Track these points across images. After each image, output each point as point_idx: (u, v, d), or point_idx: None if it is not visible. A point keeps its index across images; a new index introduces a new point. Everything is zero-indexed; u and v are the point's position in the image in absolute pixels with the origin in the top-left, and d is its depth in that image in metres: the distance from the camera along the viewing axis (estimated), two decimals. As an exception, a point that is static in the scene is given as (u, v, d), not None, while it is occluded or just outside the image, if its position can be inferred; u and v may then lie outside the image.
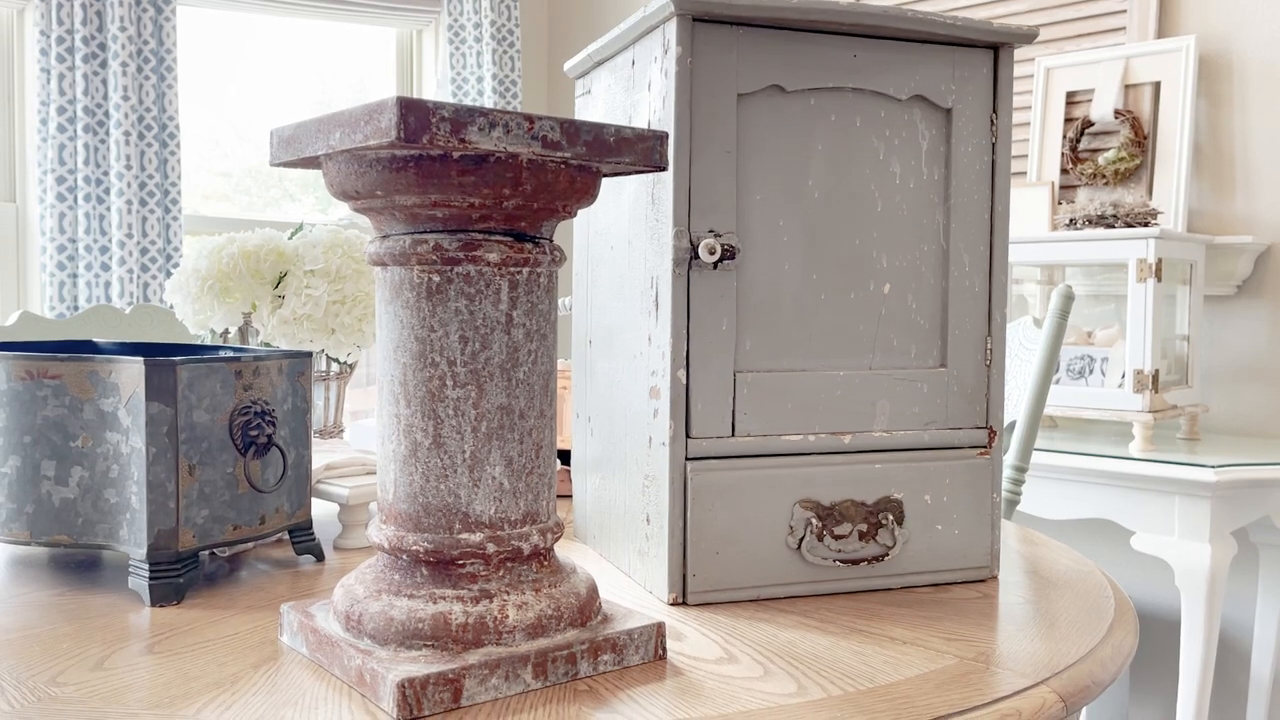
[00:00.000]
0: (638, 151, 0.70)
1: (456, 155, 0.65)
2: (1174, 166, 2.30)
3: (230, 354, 0.94)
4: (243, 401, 0.88)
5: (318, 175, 3.50)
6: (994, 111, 0.94)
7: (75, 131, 2.68)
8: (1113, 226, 2.14)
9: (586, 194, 0.71)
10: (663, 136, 0.72)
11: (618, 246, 0.97)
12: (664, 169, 0.73)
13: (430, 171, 0.65)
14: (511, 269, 0.69)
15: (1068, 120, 2.47)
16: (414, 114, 0.61)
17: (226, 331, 1.32)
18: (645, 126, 0.90)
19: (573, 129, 0.67)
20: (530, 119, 0.65)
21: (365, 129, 0.62)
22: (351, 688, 0.66)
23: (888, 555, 0.91)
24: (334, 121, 0.65)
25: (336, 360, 1.37)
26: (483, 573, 0.69)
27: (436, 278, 0.68)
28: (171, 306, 1.38)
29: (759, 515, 0.88)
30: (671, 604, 0.86)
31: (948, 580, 0.93)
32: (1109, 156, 2.35)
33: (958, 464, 0.93)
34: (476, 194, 0.66)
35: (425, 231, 0.68)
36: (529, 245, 0.70)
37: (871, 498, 0.91)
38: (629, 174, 0.77)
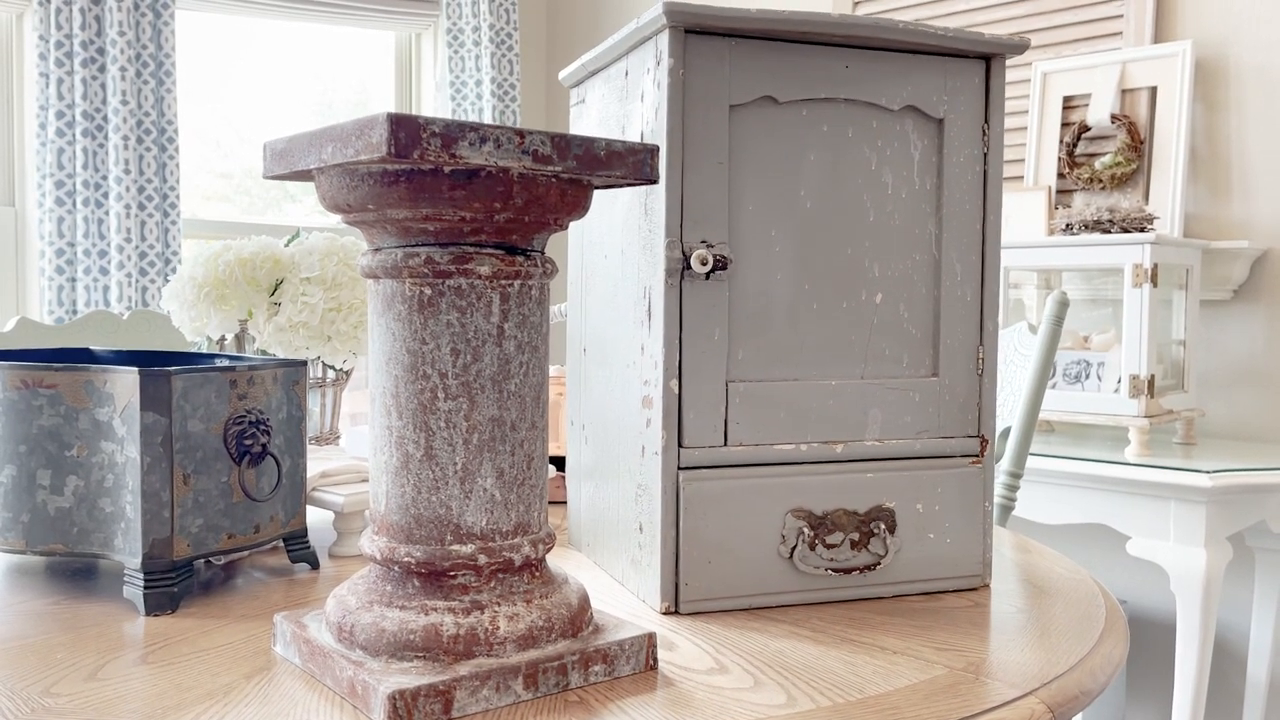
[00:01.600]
0: (628, 165, 0.71)
1: (447, 170, 0.65)
2: (1170, 171, 2.30)
3: (225, 363, 0.95)
4: (237, 411, 0.88)
5: (316, 178, 3.50)
6: (986, 121, 0.94)
7: (74, 136, 2.69)
8: (1109, 231, 2.14)
9: (578, 207, 0.72)
10: (653, 150, 0.72)
11: (611, 256, 0.97)
12: (655, 182, 0.73)
13: (421, 186, 0.65)
14: (503, 281, 0.70)
15: (1064, 125, 2.47)
16: (405, 129, 0.61)
17: (223, 338, 1.33)
18: (638, 137, 0.91)
19: (563, 143, 0.67)
20: (521, 134, 0.65)
21: (356, 144, 0.63)
22: (343, 699, 0.67)
23: (879, 564, 0.91)
24: (326, 136, 0.65)
25: (332, 367, 1.38)
26: (474, 584, 0.70)
27: (428, 290, 0.69)
28: (169, 312, 1.38)
29: (751, 524, 0.88)
30: (664, 613, 0.86)
31: (940, 589, 0.94)
32: (1105, 161, 2.35)
33: (950, 473, 0.94)
34: (468, 208, 0.66)
35: (417, 245, 0.69)
36: (520, 258, 0.70)
37: (863, 507, 0.91)
38: (620, 187, 0.77)
